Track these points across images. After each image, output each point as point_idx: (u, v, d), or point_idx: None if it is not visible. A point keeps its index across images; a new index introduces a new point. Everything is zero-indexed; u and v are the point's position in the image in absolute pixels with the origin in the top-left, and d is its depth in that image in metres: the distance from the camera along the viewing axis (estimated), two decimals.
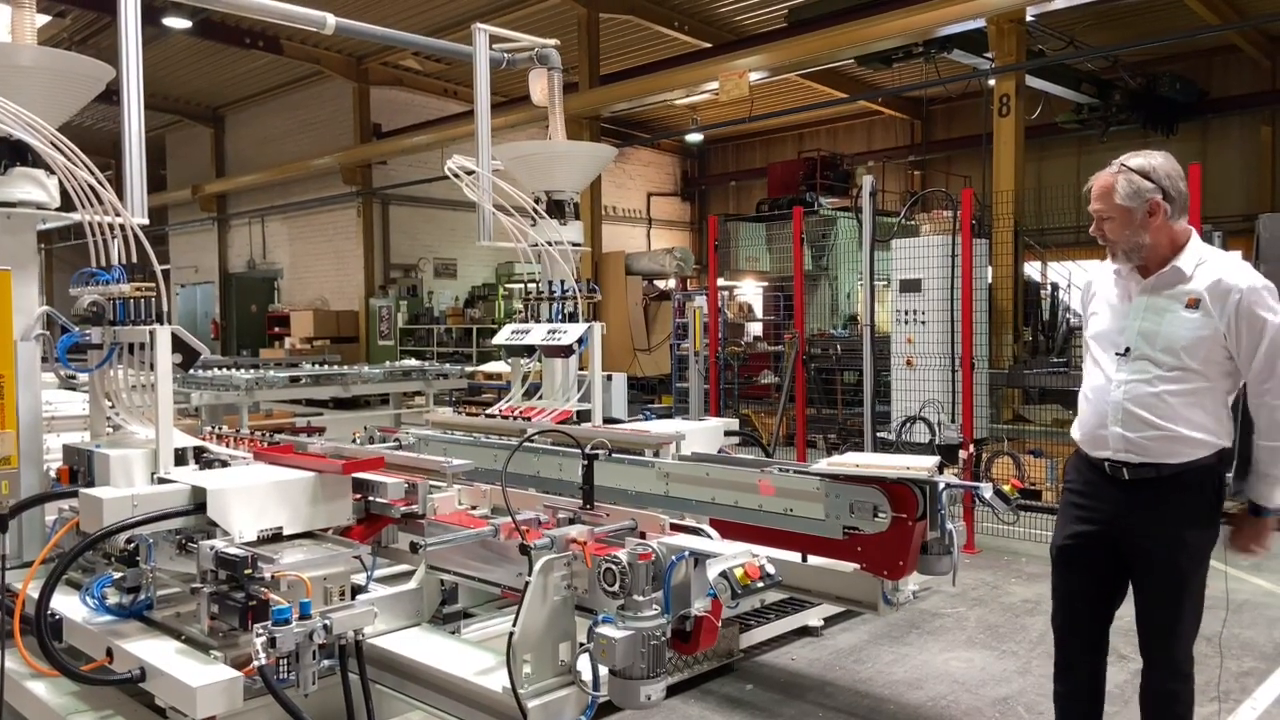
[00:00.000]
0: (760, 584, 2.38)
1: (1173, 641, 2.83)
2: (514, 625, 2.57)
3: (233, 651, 2.79)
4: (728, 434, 4.98)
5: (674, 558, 2.47)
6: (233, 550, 2.73)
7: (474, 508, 3.45)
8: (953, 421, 6.80)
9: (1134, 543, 2.85)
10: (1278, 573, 5.73)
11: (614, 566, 2.47)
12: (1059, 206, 18.67)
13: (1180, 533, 2.78)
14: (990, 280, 9.68)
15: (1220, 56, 17.18)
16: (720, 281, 17.29)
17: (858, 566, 3.56)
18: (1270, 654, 4.48)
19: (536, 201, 5.82)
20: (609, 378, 5.85)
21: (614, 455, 4.15)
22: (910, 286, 8.59)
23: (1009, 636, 4.82)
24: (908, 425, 7.04)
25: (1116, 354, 2.88)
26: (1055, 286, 12.67)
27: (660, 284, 17.12)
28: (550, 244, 5.56)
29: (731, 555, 2.41)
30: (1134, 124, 16.80)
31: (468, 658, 2.91)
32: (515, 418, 5.16)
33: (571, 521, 3.00)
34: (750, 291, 17.90)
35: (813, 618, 4.80)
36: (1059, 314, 13.79)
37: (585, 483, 2.99)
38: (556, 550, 2.67)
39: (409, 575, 3.45)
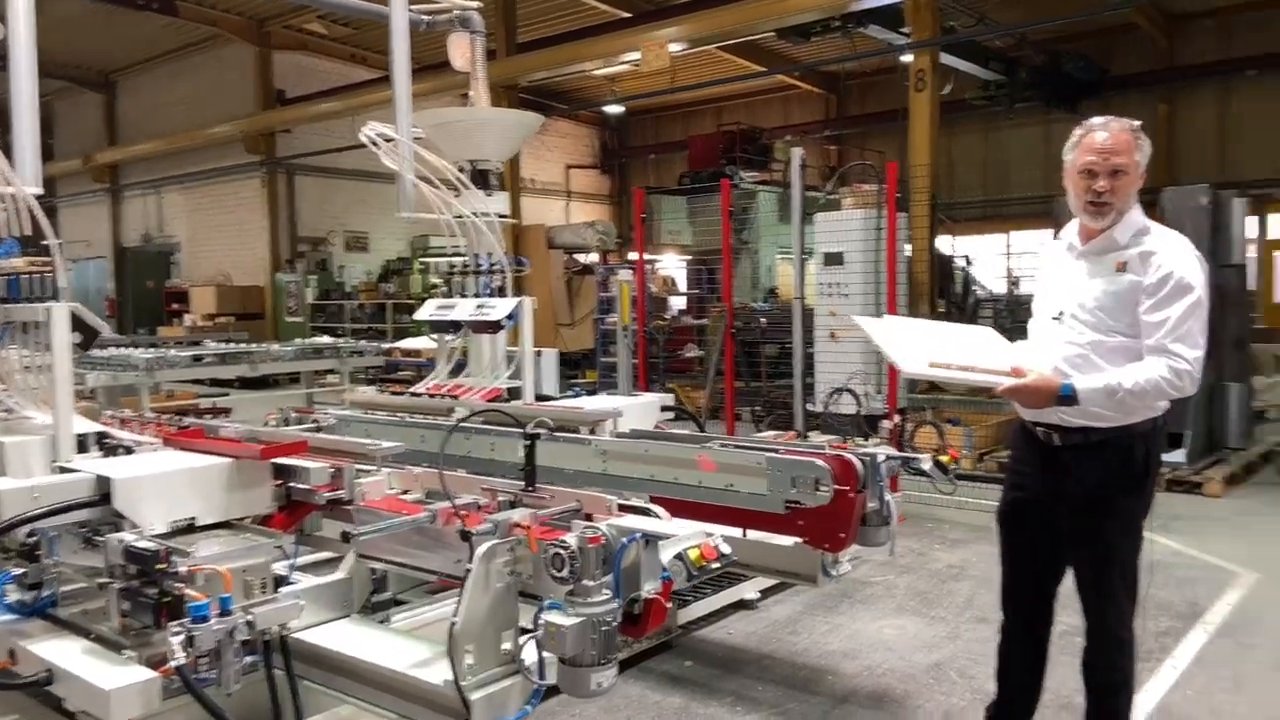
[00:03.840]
0: (716, 564, 2.31)
1: (1107, 609, 2.88)
2: (455, 615, 2.45)
3: (147, 650, 2.59)
4: (664, 410, 4.91)
5: (625, 540, 2.38)
6: (143, 544, 2.52)
7: (405, 492, 3.29)
8: (878, 393, 6.89)
9: (1063, 510, 2.88)
10: (1183, 533, 5.97)
11: (563, 551, 2.36)
12: (968, 182, 19.23)
13: (1108, 499, 2.82)
14: (909, 253, 9.83)
15: (1120, 35, 17.78)
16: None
17: (798, 540, 3.54)
18: (1185, 613, 4.65)
19: (460, 171, 5.62)
20: (539, 354, 5.71)
21: (555, 430, 4.03)
22: (833, 260, 8.63)
23: (937, 602, 4.90)
24: (835, 396, 7.10)
25: (1052, 319, 2.91)
26: (968, 259, 12.98)
27: (581, 258, 16.93)
28: (476, 215, 5.37)
29: (686, 536, 2.33)
30: (1038, 101, 17.30)
31: (403, 650, 2.76)
32: (443, 396, 4.98)
33: (513, 504, 2.88)
34: (672, 265, 17.89)
35: (749, 591, 4.79)
36: (970, 286, 14.18)
37: (527, 464, 2.87)
38: (499, 536, 2.55)
39: (336, 563, 3.28)
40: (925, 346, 3.01)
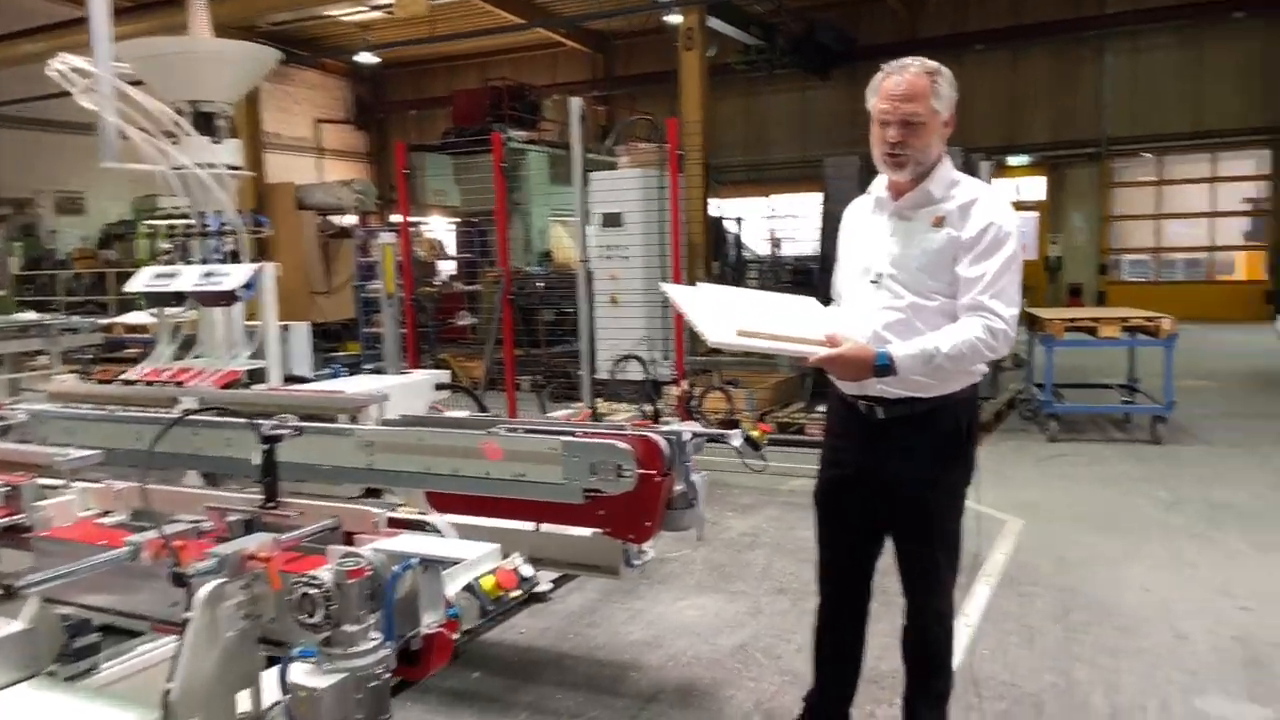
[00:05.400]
0: (516, 592, 1.86)
1: (929, 584, 2.73)
2: (170, 678, 1.87)
3: None
4: (438, 388, 4.37)
5: (397, 568, 1.89)
6: None
7: (106, 513, 2.58)
8: (665, 359, 6.66)
9: (885, 486, 2.69)
10: None
11: (314, 590, 1.83)
12: (732, 147, 19.65)
13: (932, 473, 2.65)
14: (685, 215, 9.70)
15: (867, 6, 18.71)
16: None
17: (598, 531, 3.16)
18: (967, 565, 4.68)
19: (180, 115, 4.74)
20: (286, 328, 4.96)
21: (303, 427, 3.40)
22: (612, 221, 8.33)
23: (736, 576, 4.72)
24: (620, 364, 6.81)
25: (870, 282, 2.67)
26: (739, 220, 13.15)
27: (337, 220, 15.64)
28: (200, 167, 4.53)
29: (477, 560, 1.87)
30: (796, 69, 17.90)
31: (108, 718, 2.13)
32: (165, 383, 4.17)
33: (249, 526, 2.28)
34: (440, 228, 16.97)
35: (540, 582, 4.38)
36: (740, 249, 14.46)
37: (265, 473, 2.28)
38: (228, 573, 1.97)
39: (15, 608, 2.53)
40: (736, 315, 2.70)
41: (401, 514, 2.18)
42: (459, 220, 14.67)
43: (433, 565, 1.89)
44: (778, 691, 3.46)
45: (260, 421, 2.47)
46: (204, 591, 1.94)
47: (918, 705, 2.79)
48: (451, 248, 15.59)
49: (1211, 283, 19.11)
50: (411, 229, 15.26)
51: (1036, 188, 19.84)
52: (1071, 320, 7.99)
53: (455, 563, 1.86)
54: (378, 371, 7.96)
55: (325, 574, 1.85)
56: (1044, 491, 6.12)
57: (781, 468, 6.39)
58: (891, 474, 2.66)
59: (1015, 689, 3.42)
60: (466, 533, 3.56)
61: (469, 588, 1.80)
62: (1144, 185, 19.46)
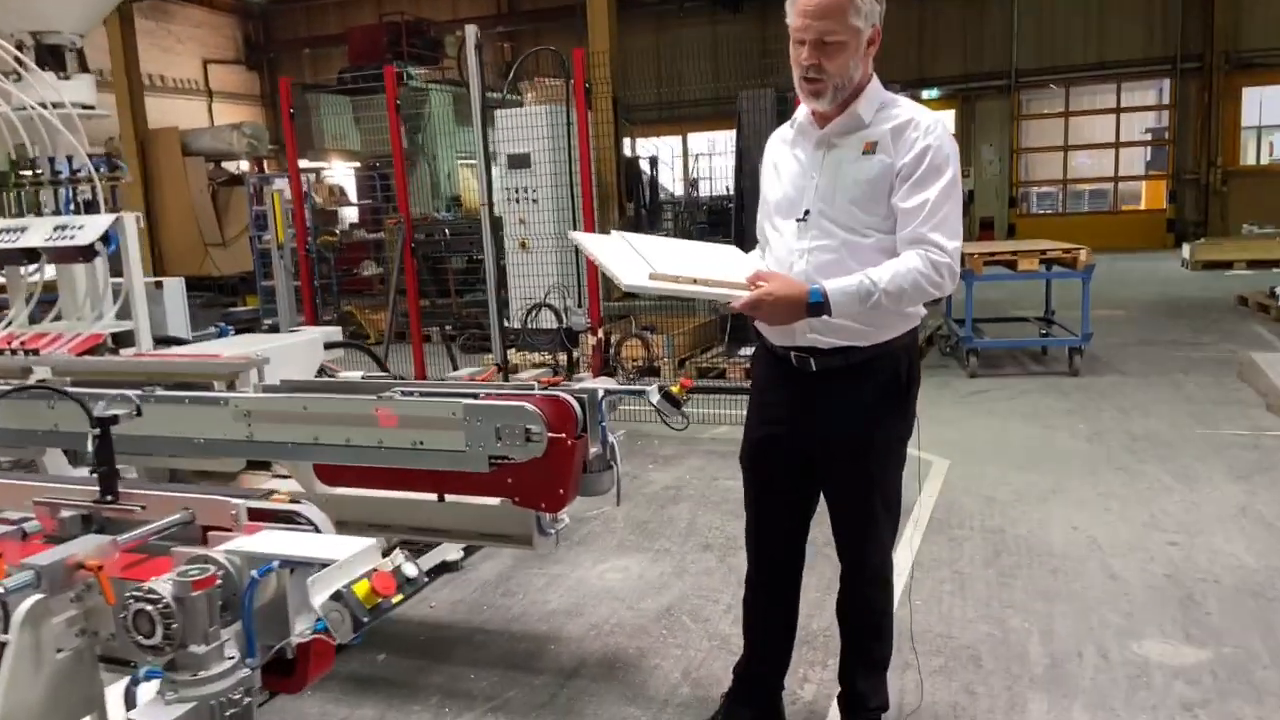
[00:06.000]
0: (396, 599, 1.57)
1: (869, 545, 2.54)
2: None
3: None
4: (328, 346, 3.99)
5: (254, 572, 1.59)
6: None
7: None
8: (579, 307, 6.36)
9: (820, 442, 2.47)
10: None
11: (149, 606, 1.51)
12: (644, 84, 19.15)
13: (869, 427, 2.44)
14: (595, 155, 9.31)
15: None
16: (305, 163, 15.36)
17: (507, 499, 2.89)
18: None
19: (20, 48, 4.18)
20: (159, 285, 4.50)
21: (166, 395, 3.02)
22: (519, 162, 7.92)
23: (658, 533, 4.51)
24: (533, 313, 6.49)
25: (797, 220, 2.41)
26: (654, 161, 12.80)
27: (230, 167, 14.73)
28: (45, 106, 4.00)
29: (349, 560, 1.57)
30: (703, 3, 17.45)
31: None
32: (16, 351, 3.70)
33: (86, 524, 1.94)
34: (341, 173, 16.15)
35: (451, 550, 4.10)
36: (655, 190, 14.10)
37: (100, 462, 1.92)
38: (49, 586, 1.63)
39: None
40: (651, 261, 2.43)
41: (268, 504, 1.86)
42: (359, 165, 13.94)
43: (300, 568, 1.58)
44: (706, 658, 3.27)
45: (94, 394, 2.10)
46: (22, 610, 1.60)
47: (855, 673, 2.61)
48: (353, 194, 14.86)
49: (1116, 213, 19.56)
50: (310, 175, 14.52)
51: (947, 121, 19.91)
52: (991, 254, 7.94)
53: (325, 564, 1.56)
54: (273, 329, 7.47)
55: (163, 585, 1.53)
56: (968, 430, 6.07)
57: (703, 414, 6.20)
58: (828, 430, 2.44)
59: (952, 641, 3.29)
60: (360, 507, 3.29)
61: (338, 595, 1.50)
62: (1052, 118, 19.71)
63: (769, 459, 2.57)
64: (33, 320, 4.14)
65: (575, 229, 6.61)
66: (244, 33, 22.18)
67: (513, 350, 7.28)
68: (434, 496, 3.13)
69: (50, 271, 4.24)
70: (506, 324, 6.46)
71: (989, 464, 5.32)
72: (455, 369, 6.59)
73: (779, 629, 2.73)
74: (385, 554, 1.65)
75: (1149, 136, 19.53)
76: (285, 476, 3.46)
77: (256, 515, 1.85)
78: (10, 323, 4.12)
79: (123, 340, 3.97)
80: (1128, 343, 8.68)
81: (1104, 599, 3.59)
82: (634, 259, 2.46)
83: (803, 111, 2.47)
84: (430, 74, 14.94)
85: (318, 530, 1.79)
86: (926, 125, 2.31)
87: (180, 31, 20.09)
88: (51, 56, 4.22)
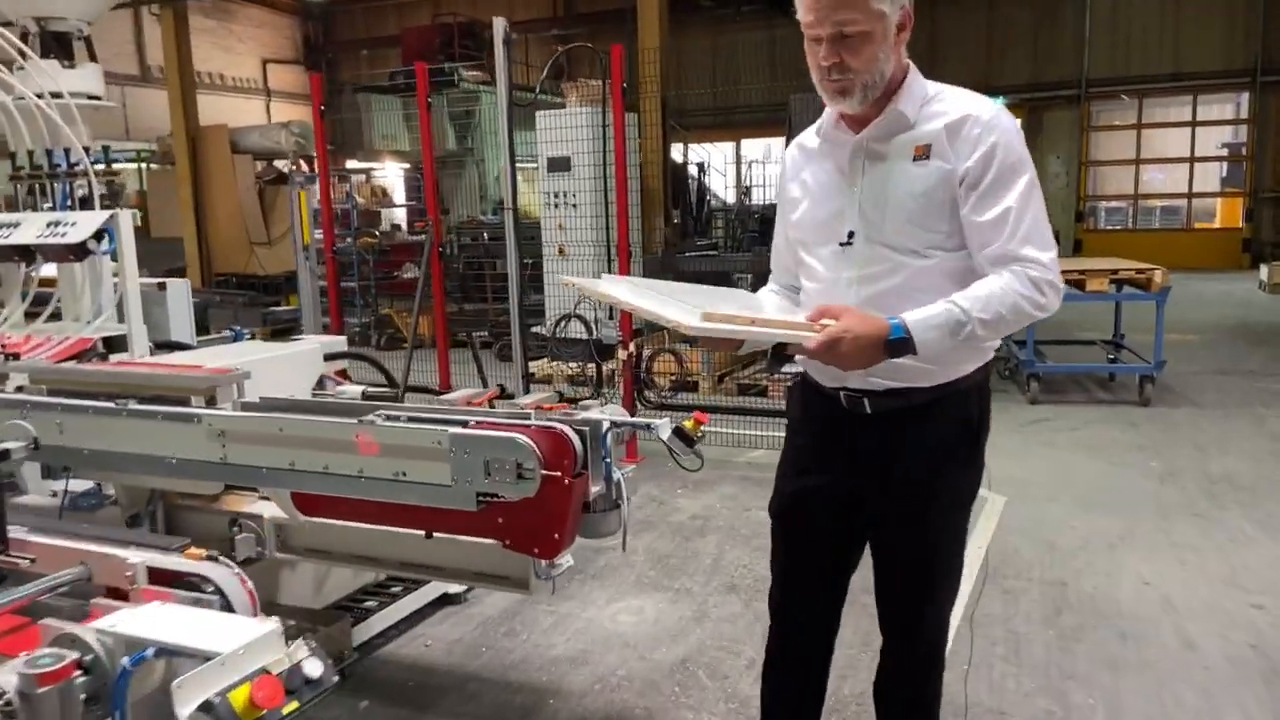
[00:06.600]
0: (287, 708, 1.25)
1: (923, 615, 2.15)
2: None
3: None
4: (329, 358, 3.72)
5: (127, 661, 1.28)
6: None
7: None
8: (610, 318, 6.04)
9: (874, 496, 2.09)
10: None
11: None
12: (698, 89, 18.82)
13: (933, 479, 2.05)
14: (640, 158, 8.99)
15: None
16: (355, 164, 15.32)
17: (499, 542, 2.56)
18: None
19: (26, 36, 4.01)
20: (162, 286, 4.28)
21: (139, 409, 2.77)
22: (559, 165, 7.63)
23: (680, 569, 4.16)
24: (563, 324, 6.19)
25: (839, 244, 2.02)
26: (701, 167, 12.44)
27: (281, 165, 14.72)
28: (45, 97, 3.80)
29: (239, 652, 1.25)
30: (760, 5, 17.03)
31: None
32: None
33: None
34: (393, 174, 16.10)
35: (454, 583, 3.80)
36: (704, 197, 13.75)
37: None
38: None
39: None
40: (684, 301, 2.07)
41: (175, 561, 1.57)
42: (409, 166, 13.83)
43: (175, 659, 1.28)
44: None
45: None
46: None
47: None
48: (401, 195, 14.77)
49: (1189, 231, 18.68)
50: (360, 175, 14.45)
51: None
52: None
53: (209, 657, 1.25)
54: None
55: (7, 678, 1.23)
56: (1026, 462, 5.60)
57: (740, 436, 5.84)
58: (882, 483, 2.05)
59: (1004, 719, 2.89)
60: (345, 537, 3.00)
61: (208, 707, 1.19)
62: (1123, 129, 18.90)
63: (805, 516, 2.19)
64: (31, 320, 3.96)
65: (613, 236, 6.30)
66: (303, 33, 22.34)
67: (544, 360, 6.99)
68: (421, 533, 2.83)
69: (51, 270, 4.06)
70: (535, 330, 6.16)
71: (1050, 503, 4.86)
72: (483, 378, 6.31)
73: (802, 707, 2.35)
74: (291, 638, 1.34)
75: (1225, 152, 18.62)
76: (269, 499, 3.19)
77: (159, 576, 1.55)
78: (6, 319, 3.94)
79: (115, 345, 3.74)
80: (1202, 371, 8.08)
81: (1178, 671, 3.15)
82: (664, 300, 2.10)
83: (827, 117, 2.09)
84: (482, 76, 14.79)
85: (225, 601, 1.49)
86: (988, 119, 1.92)
87: (241, 31, 20.29)
88: (58, 44, 4.03)
